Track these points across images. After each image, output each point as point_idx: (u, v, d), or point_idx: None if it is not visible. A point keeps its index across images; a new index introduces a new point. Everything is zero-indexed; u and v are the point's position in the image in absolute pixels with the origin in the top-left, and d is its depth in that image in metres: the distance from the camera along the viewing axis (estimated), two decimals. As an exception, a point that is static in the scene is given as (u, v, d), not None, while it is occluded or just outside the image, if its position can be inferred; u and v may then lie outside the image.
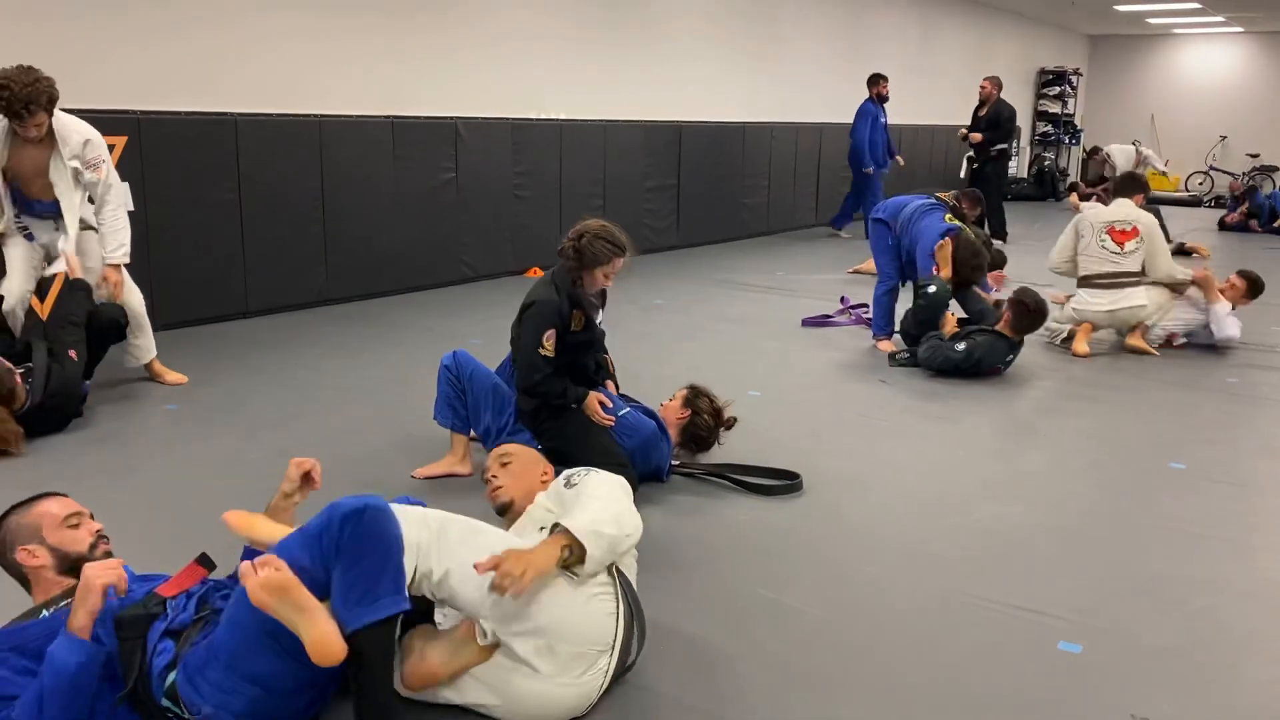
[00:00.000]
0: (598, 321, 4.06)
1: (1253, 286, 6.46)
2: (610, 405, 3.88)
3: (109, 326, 4.80)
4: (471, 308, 7.31)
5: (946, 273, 5.90)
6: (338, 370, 5.45)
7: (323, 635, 2.01)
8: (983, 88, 11.66)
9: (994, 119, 11.56)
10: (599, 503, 2.49)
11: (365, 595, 2.06)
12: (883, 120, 11.31)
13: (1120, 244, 6.30)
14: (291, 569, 2.05)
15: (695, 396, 4.05)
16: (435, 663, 2.30)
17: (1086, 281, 6.40)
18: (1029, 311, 5.61)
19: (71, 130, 4.64)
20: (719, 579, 3.16)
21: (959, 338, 5.68)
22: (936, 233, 5.97)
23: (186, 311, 6.37)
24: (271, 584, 2.02)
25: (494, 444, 3.75)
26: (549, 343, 3.79)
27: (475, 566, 2.22)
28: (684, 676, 2.58)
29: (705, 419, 4.01)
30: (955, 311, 6.09)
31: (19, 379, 4.26)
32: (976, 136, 11.59)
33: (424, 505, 2.44)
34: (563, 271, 3.88)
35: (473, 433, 4.02)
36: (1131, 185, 6.75)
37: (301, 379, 5.28)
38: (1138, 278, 6.27)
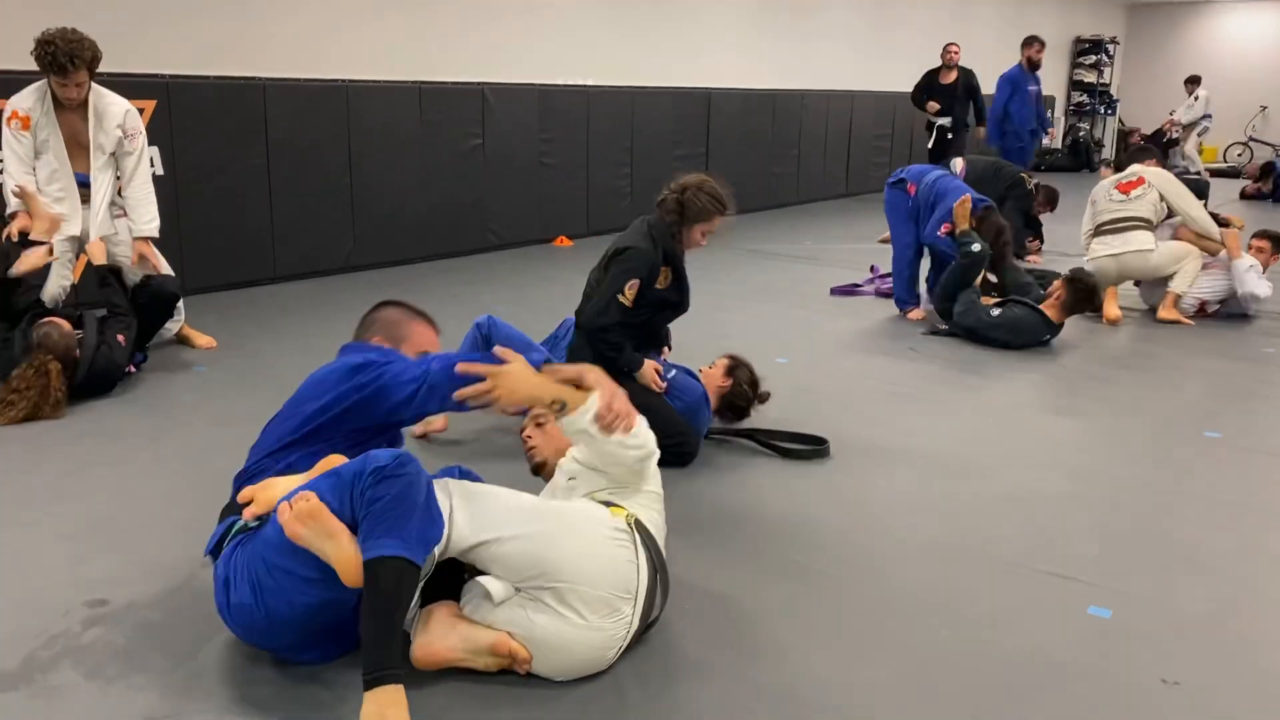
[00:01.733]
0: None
1: (1276, 242, 6.39)
2: (661, 371, 3.82)
3: (167, 299, 4.87)
4: (498, 275, 7.30)
5: (963, 227, 5.76)
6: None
7: (350, 557, 2.11)
8: (953, 52, 10.45)
9: (970, 86, 10.42)
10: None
11: (389, 532, 2.10)
12: (1033, 89, 10.22)
13: (1125, 192, 6.30)
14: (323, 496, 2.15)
15: (736, 366, 3.98)
16: (442, 649, 2.28)
17: (1097, 232, 6.37)
18: (1085, 291, 5.52)
19: (112, 101, 4.72)
20: (745, 541, 3.14)
21: (999, 304, 5.61)
22: (962, 192, 5.88)
23: (215, 277, 6.40)
24: (303, 512, 2.12)
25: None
26: (630, 291, 3.67)
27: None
28: (708, 634, 2.57)
29: (745, 389, 3.96)
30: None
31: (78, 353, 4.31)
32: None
33: (475, 476, 2.47)
34: (661, 224, 3.77)
35: None
36: (1143, 154, 6.81)
37: (328, 344, 5.25)
38: (1143, 223, 6.17)
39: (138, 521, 3.16)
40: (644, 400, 3.59)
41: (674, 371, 3.88)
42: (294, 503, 2.15)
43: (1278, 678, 2.46)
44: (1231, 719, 2.29)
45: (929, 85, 10.52)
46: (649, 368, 3.76)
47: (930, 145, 10.58)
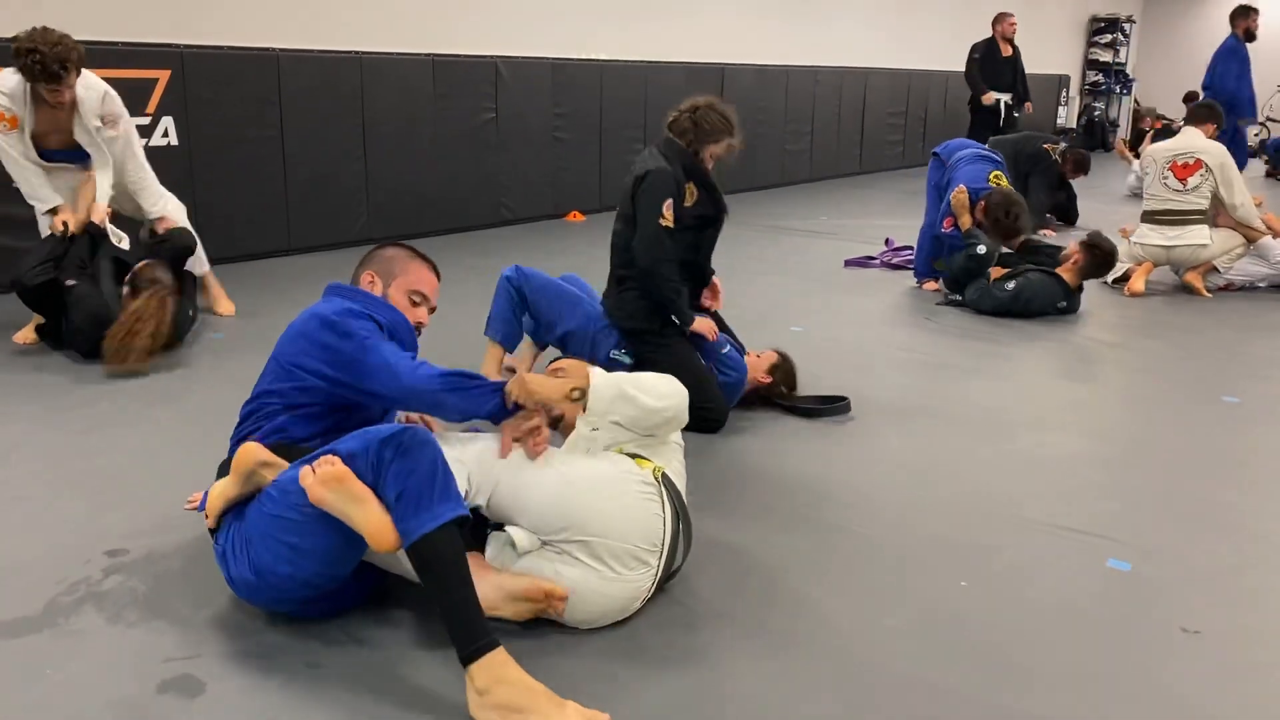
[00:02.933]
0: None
1: None
2: (714, 328, 3.79)
3: (183, 252, 4.82)
4: (511, 249, 7.29)
5: (965, 220, 5.74)
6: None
7: (379, 522, 2.04)
8: (1013, 24, 10.10)
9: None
10: (641, 375, 2.54)
11: (420, 505, 2.03)
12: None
13: (1182, 180, 6.08)
14: (345, 462, 2.09)
15: (779, 366, 3.92)
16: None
17: (1148, 217, 6.23)
18: (1102, 255, 5.48)
19: (88, 86, 4.45)
20: (764, 496, 3.14)
21: (1009, 276, 5.56)
22: (968, 180, 5.85)
23: (230, 248, 6.40)
24: (328, 476, 2.05)
25: (584, 351, 3.73)
26: (668, 213, 3.59)
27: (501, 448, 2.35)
28: (727, 585, 2.57)
29: (781, 390, 3.93)
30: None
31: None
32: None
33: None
34: (670, 143, 3.71)
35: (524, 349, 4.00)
36: (1204, 114, 6.49)
37: (344, 312, 5.31)
38: (1201, 216, 6.06)
39: (156, 476, 3.17)
40: (688, 364, 3.59)
41: (728, 347, 3.85)
42: (317, 466, 2.09)
43: (1299, 628, 2.46)
44: (1251, 664, 2.28)
45: (989, 60, 10.09)
46: (704, 324, 3.74)
47: (972, 124, 10.25)
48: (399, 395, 2.39)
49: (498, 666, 1.99)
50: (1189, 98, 15.36)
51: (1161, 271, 6.41)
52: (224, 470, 2.39)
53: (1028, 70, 10.47)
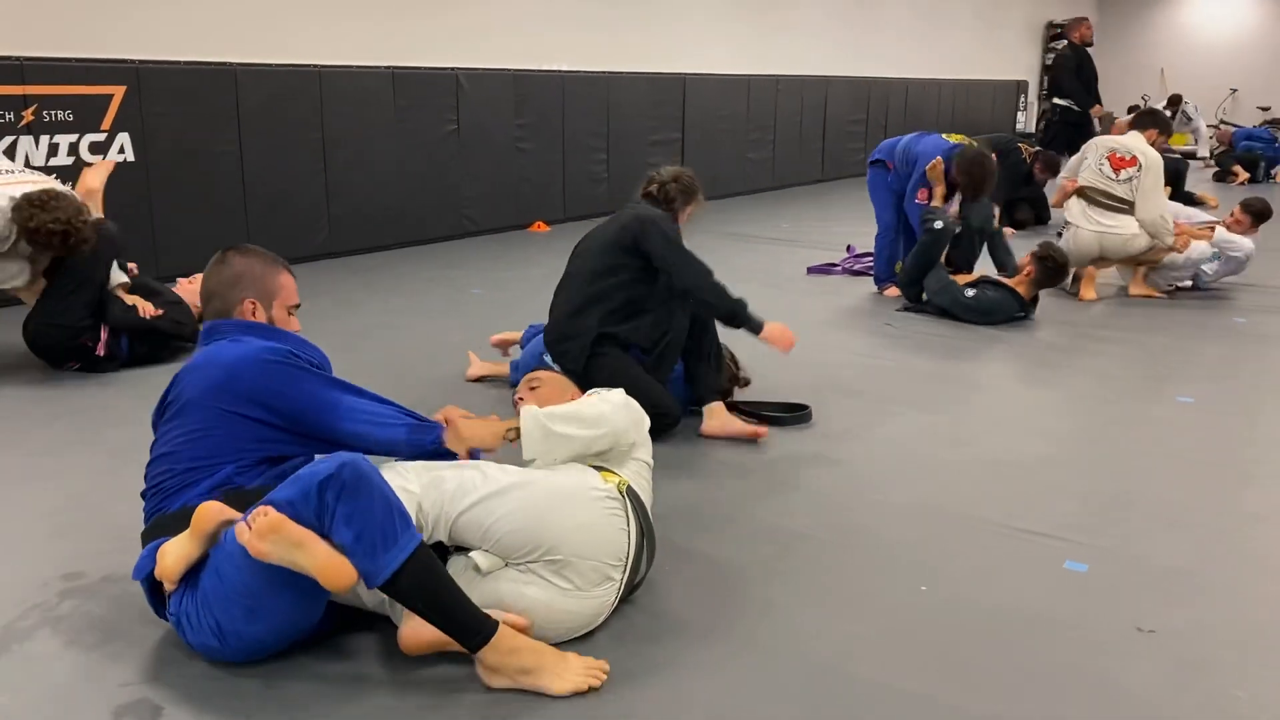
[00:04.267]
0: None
1: (1258, 215, 6.40)
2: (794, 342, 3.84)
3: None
4: (475, 261, 7.27)
5: (940, 190, 5.79)
6: (342, 316, 5.42)
7: (327, 560, 2.00)
8: (1090, 27, 10.03)
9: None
10: (576, 405, 2.56)
11: (384, 542, 2.01)
12: None
13: (1116, 170, 6.21)
14: (281, 510, 2.03)
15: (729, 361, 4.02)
16: (429, 633, 2.17)
17: (1083, 192, 6.29)
18: (1054, 268, 5.56)
19: None
20: (728, 505, 3.15)
21: (971, 285, 5.63)
22: (936, 151, 5.86)
23: (189, 264, 6.28)
24: (263, 529, 1.99)
25: None
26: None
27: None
28: (690, 594, 2.58)
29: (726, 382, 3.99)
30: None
31: None
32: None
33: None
34: (652, 206, 3.86)
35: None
36: (1149, 120, 6.61)
37: (306, 326, 5.27)
38: (1127, 206, 6.13)
39: (114, 498, 3.13)
40: (627, 373, 3.60)
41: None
42: (252, 520, 2.01)
43: (1250, 625, 2.50)
44: (1205, 662, 2.32)
45: (1084, 68, 9.96)
46: (777, 328, 3.76)
47: (1049, 135, 10.22)
48: (366, 449, 2.31)
49: (503, 643, 2.10)
50: (1132, 109, 15.70)
51: (1108, 273, 6.50)
52: (153, 535, 2.27)
53: (985, 77, 10.59)
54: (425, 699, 2.14)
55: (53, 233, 4.12)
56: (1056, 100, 10.30)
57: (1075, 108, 10.07)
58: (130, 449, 3.57)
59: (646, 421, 2.71)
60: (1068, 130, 9.92)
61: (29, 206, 4.12)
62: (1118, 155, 6.24)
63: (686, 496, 3.19)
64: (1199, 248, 6.15)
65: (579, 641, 2.33)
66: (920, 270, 5.71)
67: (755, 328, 3.71)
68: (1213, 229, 6.27)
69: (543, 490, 2.35)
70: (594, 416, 2.52)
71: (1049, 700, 2.16)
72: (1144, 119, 6.64)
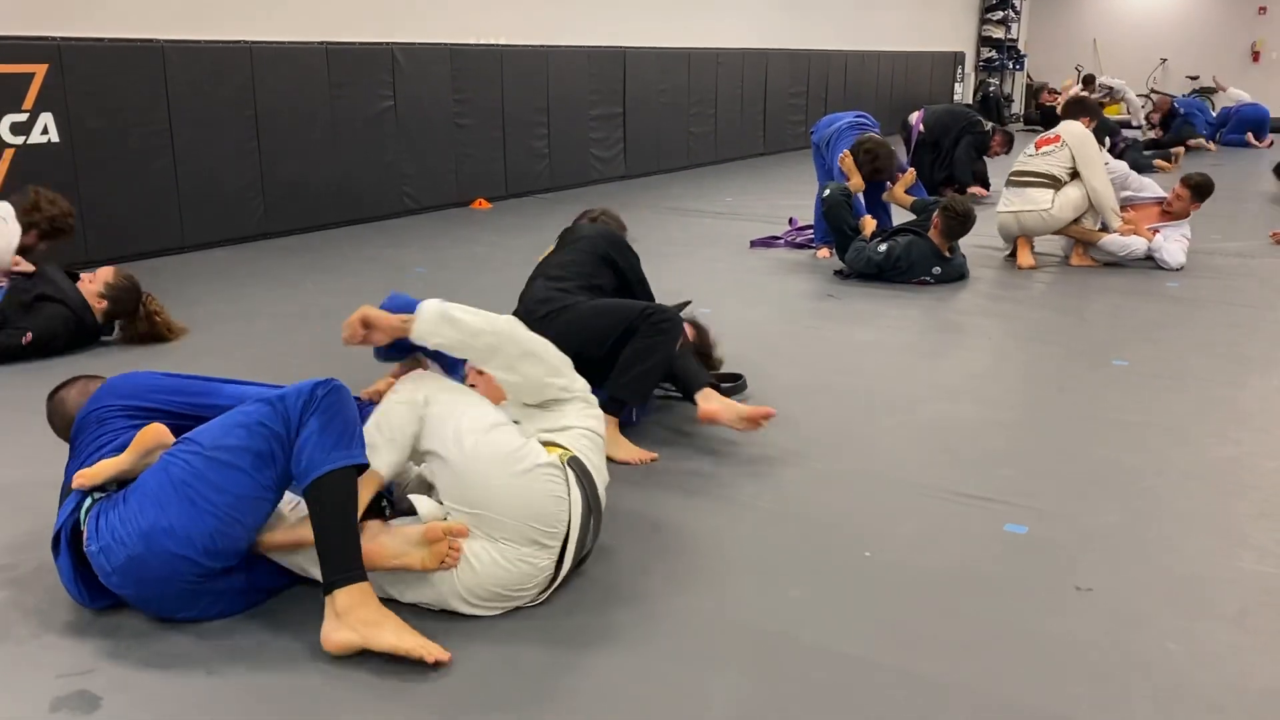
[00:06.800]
0: None
1: (1198, 190, 6.41)
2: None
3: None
4: (415, 238, 7.19)
5: (856, 181, 6.25)
6: (278, 299, 5.35)
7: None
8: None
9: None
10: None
11: (340, 441, 2.22)
12: None
13: (1038, 148, 6.35)
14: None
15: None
16: (376, 551, 2.26)
17: (1008, 180, 6.48)
18: (955, 217, 5.72)
19: None
20: (672, 476, 3.16)
21: (880, 239, 5.84)
22: (845, 147, 6.46)
23: (119, 247, 6.17)
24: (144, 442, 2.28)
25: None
26: None
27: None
28: (639, 563, 2.59)
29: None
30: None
31: None
32: None
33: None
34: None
35: None
36: (1077, 109, 6.74)
37: (242, 309, 5.18)
38: (1047, 180, 6.20)
39: (43, 486, 3.03)
40: (599, 308, 3.57)
41: None
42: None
43: (1183, 581, 2.56)
44: (1141, 618, 2.38)
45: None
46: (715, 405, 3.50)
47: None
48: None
49: (359, 593, 2.16)
50: (1086, 80, 16.03)
51: (1050, 243, 6.58)
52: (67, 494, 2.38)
53: (924, 49, 10.71)
54: (364, 675, 2.12)
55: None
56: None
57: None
58: (56, 439, 3.48)
59: (568, 362, 2.69)
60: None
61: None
62: (1041, 137, 6.47)
63: (629, 469, 3.19)
64: (1136, 242, 6.25)
65: (527, 612, 2.34)
66: (840, 239, 5.97)
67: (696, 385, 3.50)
68: (1155, 233, 6.31)
69: (483, 446, 2.36)
70: (493, 318, 2.57)
71: (992, 660, 2.20)
72: (1071, 108, 6.82)
